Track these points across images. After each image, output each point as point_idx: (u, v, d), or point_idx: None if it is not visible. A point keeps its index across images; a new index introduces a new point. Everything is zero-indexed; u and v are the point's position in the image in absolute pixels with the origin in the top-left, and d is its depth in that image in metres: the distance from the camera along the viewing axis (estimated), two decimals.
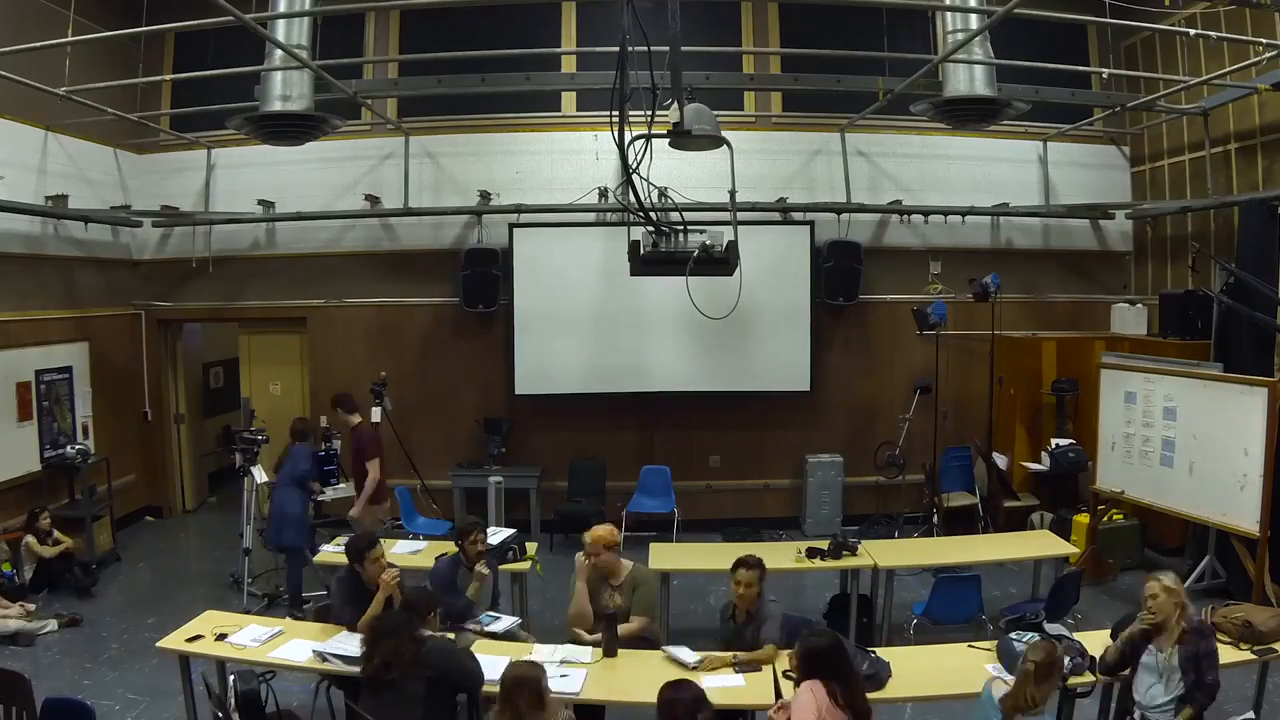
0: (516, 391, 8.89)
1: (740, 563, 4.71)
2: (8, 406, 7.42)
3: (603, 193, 8.75)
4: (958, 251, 9.15)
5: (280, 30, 6.28)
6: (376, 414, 8.32)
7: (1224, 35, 6.93)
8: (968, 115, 6.85)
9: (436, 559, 5.43)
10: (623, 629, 4.71)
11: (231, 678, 4.49)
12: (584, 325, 8.81)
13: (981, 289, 8.17)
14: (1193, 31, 6.95)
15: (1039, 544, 6.65)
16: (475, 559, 5.15)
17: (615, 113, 3.93)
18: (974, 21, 6.37)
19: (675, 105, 4.08)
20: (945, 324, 8.38)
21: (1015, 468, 8.53)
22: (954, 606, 5.73)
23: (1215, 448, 6.48)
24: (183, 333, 9.86)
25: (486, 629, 4.92)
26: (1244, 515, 6.24)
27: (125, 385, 9.07)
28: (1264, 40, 6.63)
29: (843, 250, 8.80)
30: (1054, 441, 8.06)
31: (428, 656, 3.86)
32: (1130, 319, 8.75)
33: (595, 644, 4.57)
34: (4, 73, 6.32)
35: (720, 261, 4.17)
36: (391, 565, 4.81)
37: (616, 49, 3.95)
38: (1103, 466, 7.42)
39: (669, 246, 4.21)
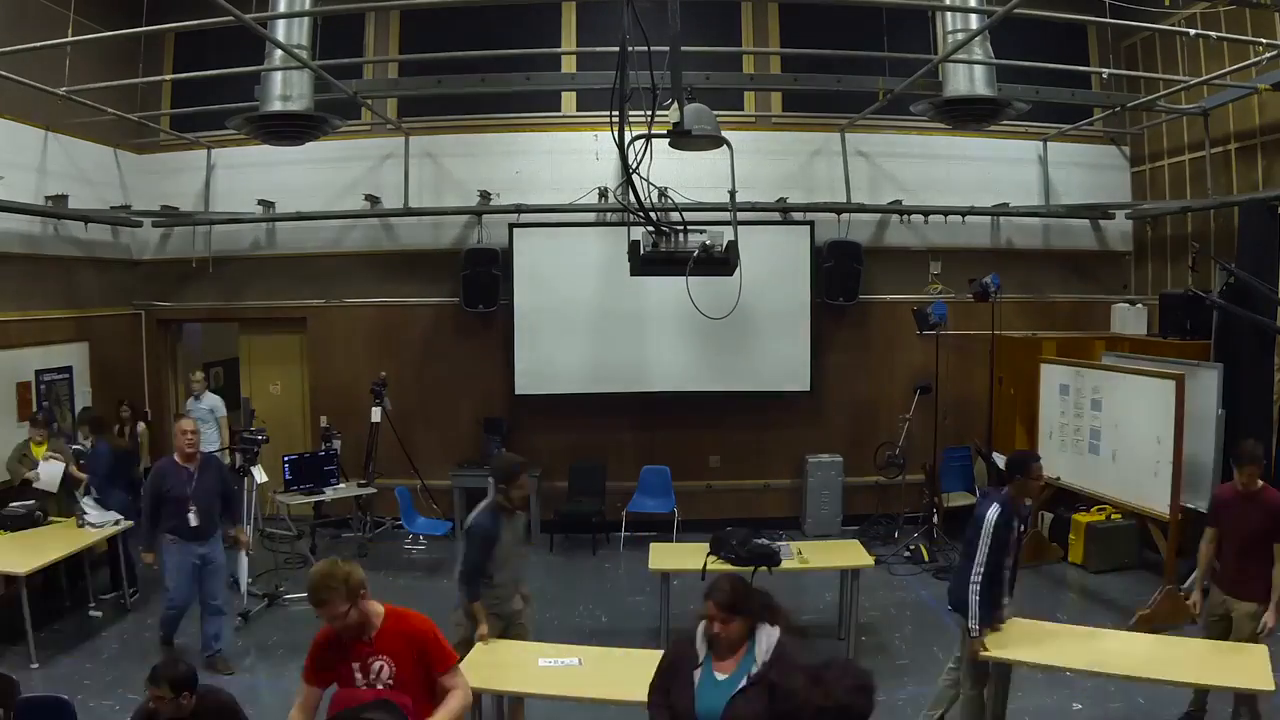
0: (516, 391, 8.89)
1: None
2: (8, 406, 7.42)
3: (603, 193, 8.75)
4: (958, 251, 9.15)
5: (280, 30, 6.29)
6: (376, 414, 8.33)
7: (1224, 35, 6.94)
8: (968, 115, 6.87)
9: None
10: None
11: None
12: (584, 325, 8.81)
13: (981, 289, 8.15)
14: (1193, 31, 6.95)
15: None
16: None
17: (615, 113, 3.93)
18: (974, 21, 6.38)
19: (675, 105, 4.08)
20: (945, 324, 8.35)
21: None
22: None
23: (1133, 436, 6.92)
24: (183, 333, 9.86)
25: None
26: (1158, 499, 6.61)
27: (125, 385, 9.06)
28: (1264, 40, 6.63)
29: (843, 250, 8.80)
30: None
31: None
32: (1130, 319, 8.76)
33: None
34: (4, 73, 6.33)
35: (720, 261, 4.17)
36: None
37: (616, 49, 3.95)
38: (1043, 455, 7.57)
39: (669, 246, 4.21)
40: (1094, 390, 7.38)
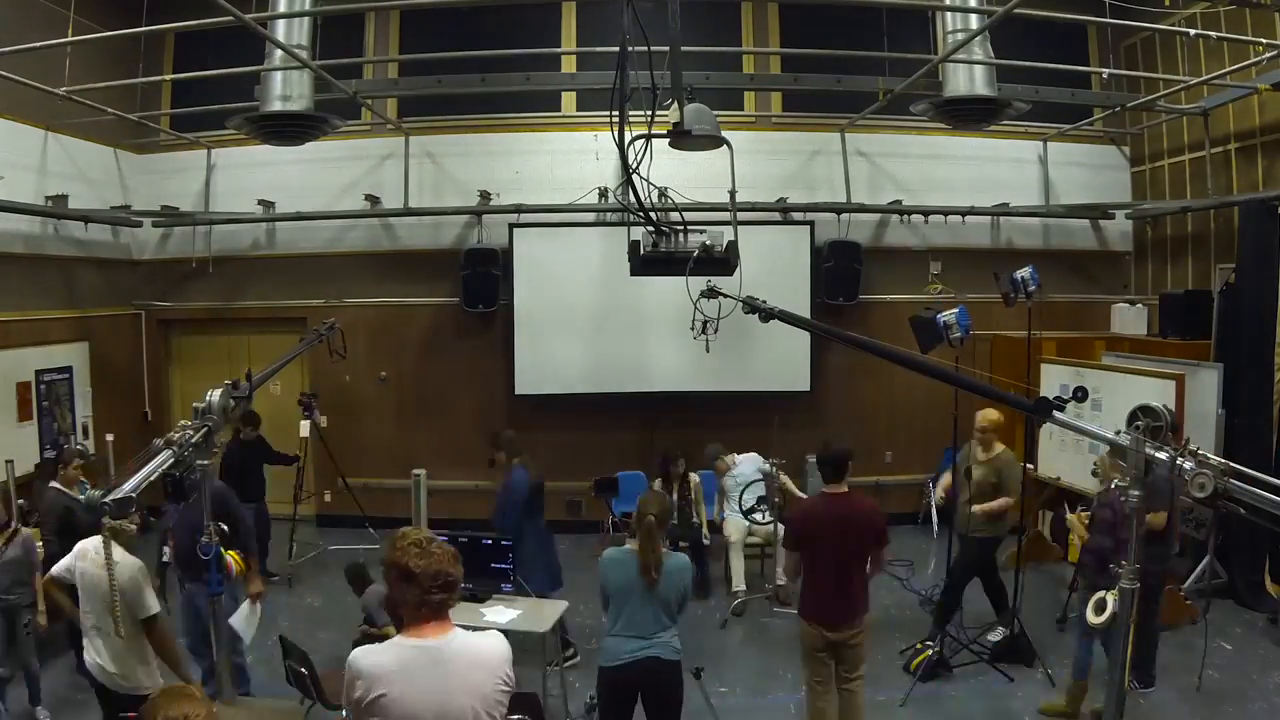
0: (516, 391, 8.89)
1: None
2: (8, 406, 7.42)
3: (603, 193, 8.75)
4: (958, 251, 9.15)
5: (280, 30, 6.29)
6: (306, 428, 8.22)
7: (1224, 35, 6.94)
8: (968, 115, 6.87)
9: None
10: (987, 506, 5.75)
11: None
12: (584, 325, 8.81)
13: (1013, 286, 6.26)
14: (1193, 31, 6.96)
15: None
16: None
17: (615, 113, 3.93)
18: (974, 21, 6.38)
19: (675, 105, 4.07)
20: (967, 336, 5.59)
21: None
22: None
23: None
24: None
25: None
26: None
27: (125, 385, 9.07)
28: (1264, 40, 6.64)
29: (843, 250, 8.80)
30: None
31: None
32: (1130, 319, 8.76)
33: None
34: (4, 73, 6.33)
35: (720, 261, 4.16)
36: None
37: (616, 49, 3.94)
38: (1043, 456, 7.76)
39: (669, 246, 4.20)
40: (1095, 390, 7.33)
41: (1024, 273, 6.17)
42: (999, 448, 6.04)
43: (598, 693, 4.14)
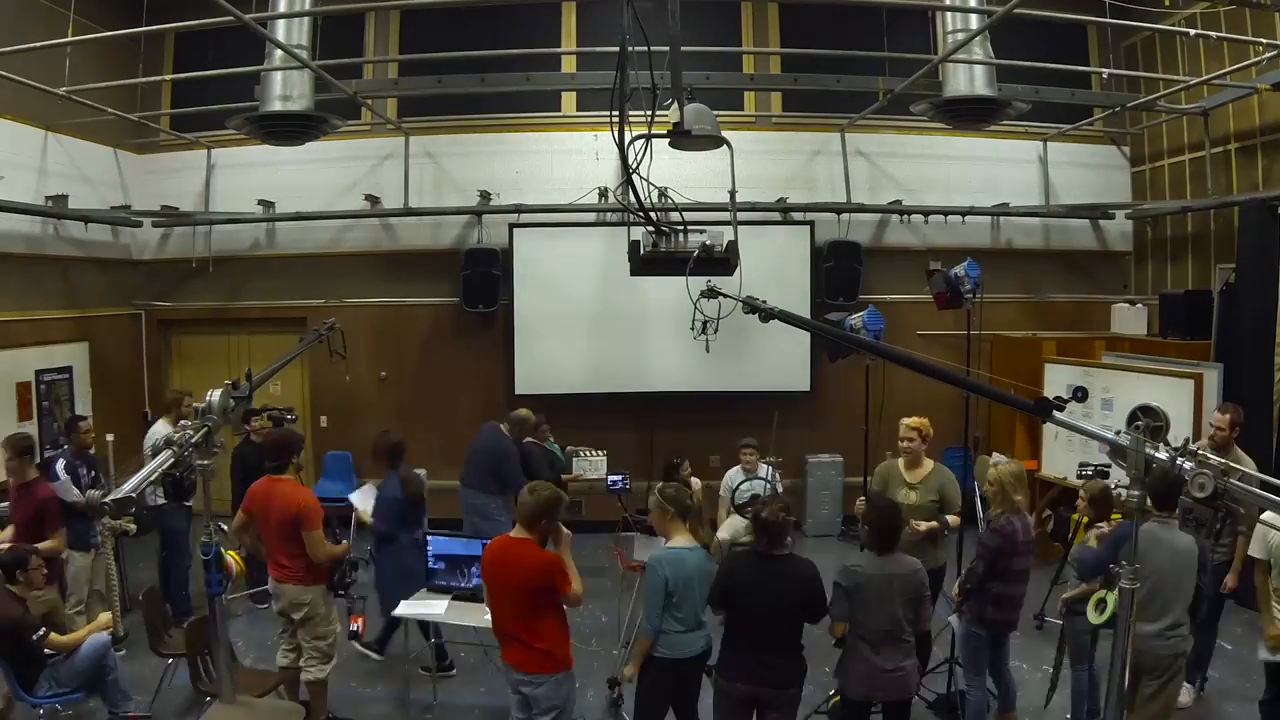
0: (516, 391, 8.89)
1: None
2: (8, 406, 7.42)
3: (603, 193, 8.75)
4: (958, 251, 9.04)
5: (280, 30, 6.30)
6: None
7: (1224, 35, 6.95)
8: (968, 115, 6.87)
9: None
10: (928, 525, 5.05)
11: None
12: (584, 325, 8.82)
13: (948, 285, 5.69)
14: (1193, 31, 6.96)
15: None
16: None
17: (615, 113, 3.92)
18: (974, 21, 6.38)
19: (675, 105, 4.07)
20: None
21: None
22: None
23: None
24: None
25: None
26: None
27: (125, 385, 9.06)
28: (1264, 40, 6.64)
29: (843, 250, 8.80)
30: None
31: None
32: (1130, 319, 8.76)
33: None
34: (4, 73, 6.34)
35: (720, 261, 4.16)
36: None
37: (616, 49, 3.94)
38: (1047, 456, 7.79)
39: (669, 246, 4.19)
40: (1105, 390, 7.30)
41: (960, 269, 5.60)
42: (929, 465, 5.29)
43: (652, 681, 4.20)
